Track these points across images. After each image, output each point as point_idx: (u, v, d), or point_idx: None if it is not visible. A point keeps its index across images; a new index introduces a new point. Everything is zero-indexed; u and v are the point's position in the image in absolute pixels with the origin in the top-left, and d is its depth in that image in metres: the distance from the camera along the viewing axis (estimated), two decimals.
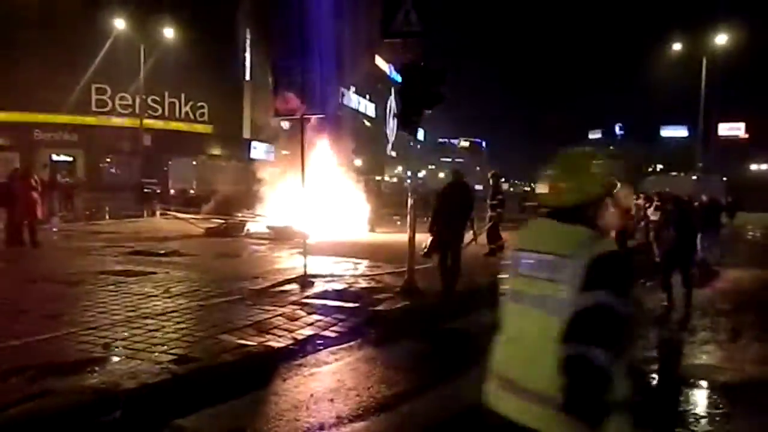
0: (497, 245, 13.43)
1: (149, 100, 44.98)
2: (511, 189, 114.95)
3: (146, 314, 6.94)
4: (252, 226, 16.94)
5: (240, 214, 18.64)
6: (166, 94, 46.91)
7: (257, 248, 14.00)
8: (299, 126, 15.48)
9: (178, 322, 6.64)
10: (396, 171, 73.05)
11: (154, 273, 9.80)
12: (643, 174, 72.34)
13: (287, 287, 8.80)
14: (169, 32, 42.65)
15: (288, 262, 11.73)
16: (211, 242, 14.84)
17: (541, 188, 2.26)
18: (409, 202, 8.84)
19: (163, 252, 12.43)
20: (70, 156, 43.57)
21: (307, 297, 8.18)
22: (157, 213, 19.49)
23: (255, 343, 6.00)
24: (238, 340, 6.03)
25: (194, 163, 36.13)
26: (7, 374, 4.71)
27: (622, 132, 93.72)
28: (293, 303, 7.80)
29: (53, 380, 4.66)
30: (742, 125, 67.75)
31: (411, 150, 10.60)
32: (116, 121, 44.90)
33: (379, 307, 7.87)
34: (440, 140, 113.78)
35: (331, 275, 9.99)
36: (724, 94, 38.49)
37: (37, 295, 7.96)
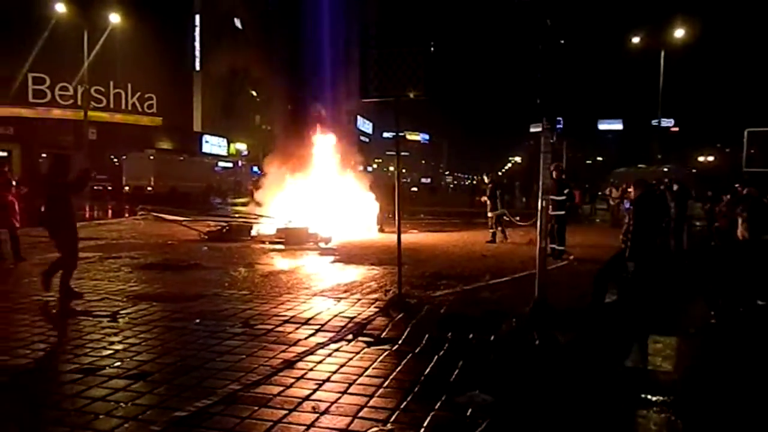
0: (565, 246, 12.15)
1: (93, 91, 41.69)
2: (455, 182, 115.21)
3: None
4: (257, 229, 14.92)
5: (237, 215, 16.53)
6: (111, 84, 43.61)
7: (279, 255, 12.06)
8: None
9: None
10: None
11: (202, 296, 7.78)
12: (586, 166, 74.50)
13: (393, 317, 6.93)
14: (114, 18, 39.52)
15: (342, 274, 9.88)
16: (221, 248, 12.67)
17: None
18: (540, 203, 7.10)
19: (183, 264, 10.35)
20: (4, 151, 39.80)
21: (433, 333, 6.39)
22: (138, 213, 17.09)
23: None
24: None
25: (151, 157, 33.28)
26: None
27: (561, 126, 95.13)
28: (432, 347, 6.03)
29: None
30: (671, 120, 72.04)
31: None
32: (57, 113, 41.35)
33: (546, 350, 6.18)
34: (385, 134, 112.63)
35: (416, 293, 8.19)
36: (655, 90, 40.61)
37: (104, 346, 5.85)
